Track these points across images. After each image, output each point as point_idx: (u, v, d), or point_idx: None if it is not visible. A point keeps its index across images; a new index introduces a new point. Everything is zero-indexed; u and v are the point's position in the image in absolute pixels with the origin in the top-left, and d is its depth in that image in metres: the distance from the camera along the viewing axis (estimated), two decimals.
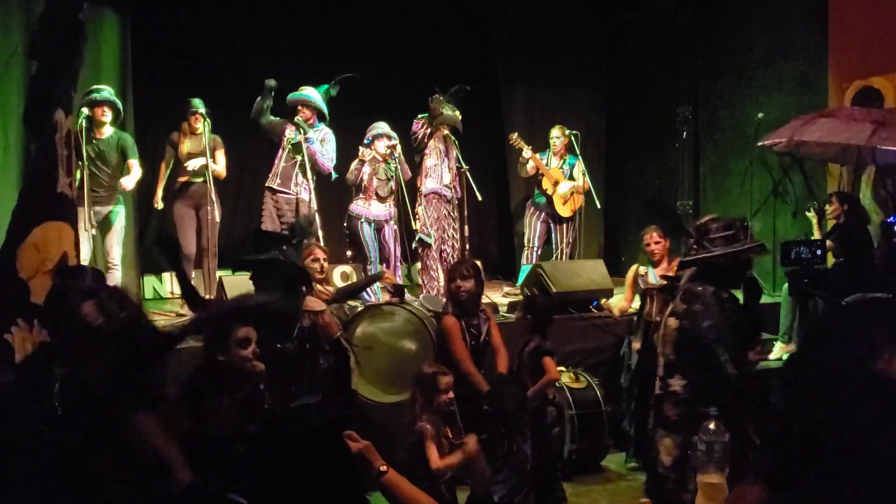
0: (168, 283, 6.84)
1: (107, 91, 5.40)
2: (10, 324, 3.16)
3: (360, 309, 4.70)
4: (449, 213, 6.30)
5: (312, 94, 5.91)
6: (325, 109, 5.97)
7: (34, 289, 3.32)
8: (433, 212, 6.19)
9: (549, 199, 6.84)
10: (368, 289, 5.80)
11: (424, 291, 6.10)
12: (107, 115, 5.35)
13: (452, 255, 6.29)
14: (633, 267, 5.61)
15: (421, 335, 4.44)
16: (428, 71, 7.58)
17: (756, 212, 6.71)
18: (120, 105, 5.50)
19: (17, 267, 3.29)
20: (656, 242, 5.46)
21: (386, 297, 5.77)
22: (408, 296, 6.01)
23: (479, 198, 6.21)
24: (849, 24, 6.08)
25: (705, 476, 2.21)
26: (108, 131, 5.43)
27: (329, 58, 7.27)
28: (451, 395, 3.43)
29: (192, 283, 5.84)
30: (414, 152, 6.24)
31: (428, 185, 6.21)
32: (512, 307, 5.73)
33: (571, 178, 6.86)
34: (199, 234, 5.80)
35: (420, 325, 4.46)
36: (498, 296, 6.68)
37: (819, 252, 2.35)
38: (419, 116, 6.22)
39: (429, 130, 6.16)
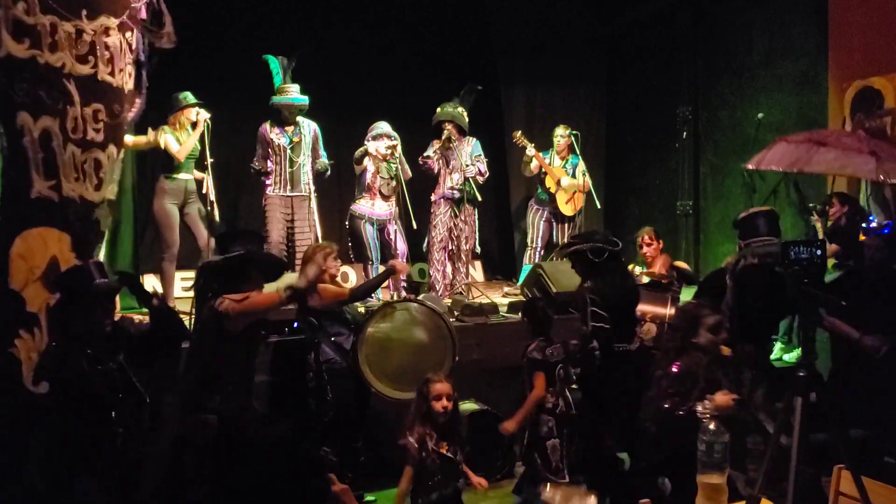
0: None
1: None
2: (11, 336, 3.18)
3: (375, 308, 4.72)
4: (456, 213, 6.34)
5: (302, 95, 5.92)
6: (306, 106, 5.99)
7: (28, 299, 3.31)
8: (441, 215, 6.33)
9: (552, 197, 6.86)
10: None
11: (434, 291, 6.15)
12: None
13: (460, 255, 6.34)
14: (629, 266, 5.63)
15: (439, 330, 4.48)
16: (428, 71, 7.59)
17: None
18: None
19: (9, 280, 3.27)
20: (647, 244, 5.48)
21: (385, 295, 5.79)
22: (406, 294, 6.05)
23: (480, 198, 6.23)
24: (849, 24, 6.07)
25: (705, 476, 2.21)
26: None
27: (329, 58, 7.28)
28: (444, 403, 3.28)
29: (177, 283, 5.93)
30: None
31: (437, 192, 6.39)
32: (512, 307, 5.75)
33: (574, 177, 6.87)
34: (191, 232, 5.81)
35: (437, 321, 4.50)
36: (498, 296, 6.69)
37: (819, 252, 2.33)
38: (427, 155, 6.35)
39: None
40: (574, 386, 4.03)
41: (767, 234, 3.69)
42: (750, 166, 3.99)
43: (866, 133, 5.34)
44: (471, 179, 6.22)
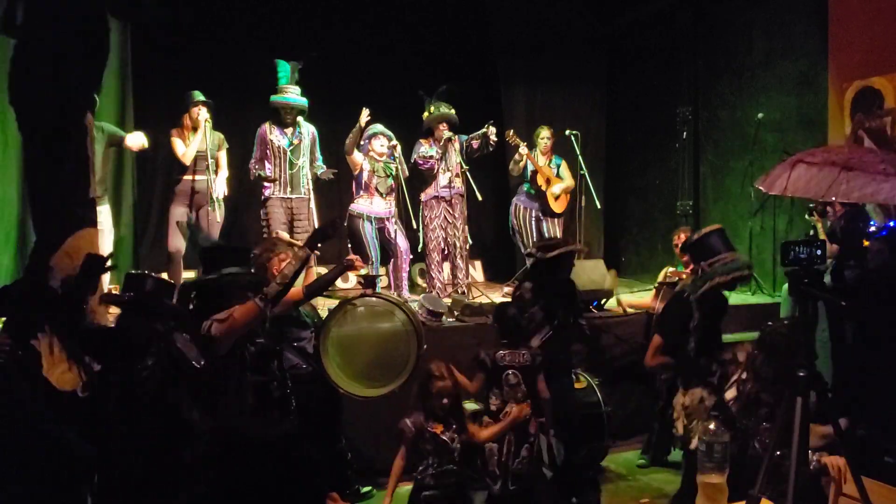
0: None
1: None
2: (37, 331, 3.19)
3: (334, 307, 4.60)
4: (449, 213, 6.33)
5: (301, 97, 5.93)
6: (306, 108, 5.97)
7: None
8: (436, 218, 6.32)
9: (541, 194, 6.90)
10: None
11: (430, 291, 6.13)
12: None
13: (455, 254, 6.34)
14: (665, 268, 5.54)
15: (401, 321, 4.29)
16: (428, 71, 7.59)
17: (756, 212, 6.71)
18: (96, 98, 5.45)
19: (49, 276, 3.29)
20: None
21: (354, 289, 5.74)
22: (407, 294, 6.04)
23: (480, 198, 6.23)
24: (849, 24, 6.08)
25: (705, 476, 2.21)
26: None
27: (329, 58, 7.28)
28: (445, 401, 3.37)
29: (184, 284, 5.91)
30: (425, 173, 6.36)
31: (428, 192, 6.37)
32: None
33: (559, 176, 6.93)
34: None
35: (398, 311, 4.31)
36: (498, 296, 6.68)
37: (819, 252, 2.34)
38: (424, 154, 6.32)
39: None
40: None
41: (725, 250, 3.67)
42: (774, 191, 3.80)
43: (866, 133, 5.32)
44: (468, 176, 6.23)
